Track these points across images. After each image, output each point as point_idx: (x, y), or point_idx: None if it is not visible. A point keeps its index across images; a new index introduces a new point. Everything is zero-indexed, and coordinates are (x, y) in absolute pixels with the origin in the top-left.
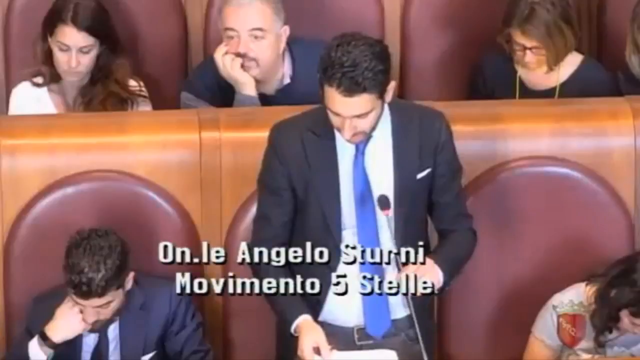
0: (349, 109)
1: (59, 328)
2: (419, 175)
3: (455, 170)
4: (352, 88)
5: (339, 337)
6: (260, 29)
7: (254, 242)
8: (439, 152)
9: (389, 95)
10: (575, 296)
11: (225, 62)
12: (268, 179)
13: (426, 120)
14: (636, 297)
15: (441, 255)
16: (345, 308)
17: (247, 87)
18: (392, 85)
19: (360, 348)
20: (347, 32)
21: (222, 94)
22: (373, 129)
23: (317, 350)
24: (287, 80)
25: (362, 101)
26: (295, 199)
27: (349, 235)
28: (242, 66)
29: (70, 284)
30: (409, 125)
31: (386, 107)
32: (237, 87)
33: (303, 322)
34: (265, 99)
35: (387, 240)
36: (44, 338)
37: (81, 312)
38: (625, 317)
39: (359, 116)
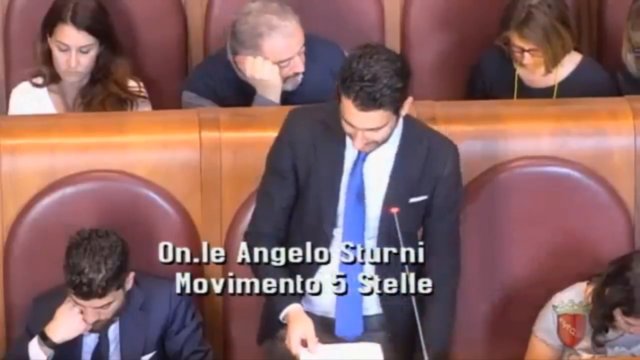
0: (362, 122)
1: (59, 328)
2: (412, 200)
3: (454, 202)
4: (368, 103)
5: (320, 326)
6: (304, 45)
7: (253, 224)
8: (439, 184)
9: (404, 110)
10: (576, 296)
11: (265, 66)
12: (275, 159)
13: (435, 148)
14: (627, 295)
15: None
16: (320, 301)
17: (276, 92)
18: (410, 101)
19: (342, 339)
20: (370, 43)
21: (225, 92)
22: (385, 140)
23: (304, 342)
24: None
25: (377, 116)
26: (296, 185)
27: (339, 234)
28: (288, 79)
29: (71, 285)
30: (416, 147)
31: (401, 120)
32: (264, 90)
33: (293, 311)
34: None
35: (368, 245)
36: (44, 338)
37: (81, 312)
38: (618, 316)
39: (371, 129)
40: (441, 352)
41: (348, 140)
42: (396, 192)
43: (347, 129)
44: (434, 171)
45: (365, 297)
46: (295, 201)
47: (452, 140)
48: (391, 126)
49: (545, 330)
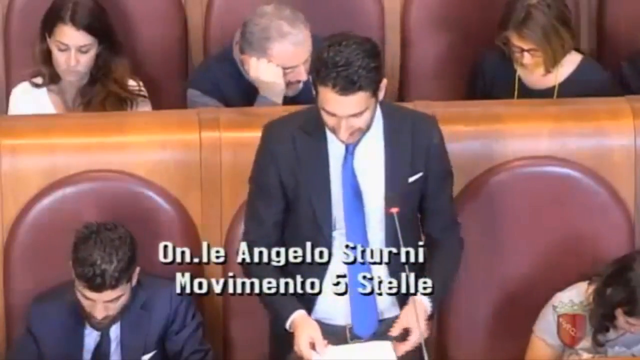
0: (344, 109)
1: None
2: (411, 179)
3: (447, 175)
4: (347, 87)
5: (331, 335)
6: (310, 54)
7: (246, 239)
8: (431, 156)
9: (381, 93)
10: (576, 296)
11: (269, 69)
12: (259, 178)
13: (418, 124)
14: (629, 295)
15: (432, 281)
16: (335, 308)
17: (278, 93)
18: (385, 83)
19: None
20: (336, 32)
21: (230, 91)
22: (368, 128)
23: (312, 346)
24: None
25: (358, 99)
26: (286, 198)
27: (339, 235)
28: (290, 85)
29: (83, 278)
30: (401, 127)
31: (378, 108)
32: (267, 91)
33: (298, 318)
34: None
35: (375, 241)
36: None
37: (87, 311)
38: (620, 315)
39: (354, 115)
40: (439, 293)
41: (330, 140)
42: (394, 177)
43: (330, 120)
44: (423, 144)
45: (382, 300)
46: (286, 213)
47: (429, 114)
48: (371, 111)
49: (546, 329)
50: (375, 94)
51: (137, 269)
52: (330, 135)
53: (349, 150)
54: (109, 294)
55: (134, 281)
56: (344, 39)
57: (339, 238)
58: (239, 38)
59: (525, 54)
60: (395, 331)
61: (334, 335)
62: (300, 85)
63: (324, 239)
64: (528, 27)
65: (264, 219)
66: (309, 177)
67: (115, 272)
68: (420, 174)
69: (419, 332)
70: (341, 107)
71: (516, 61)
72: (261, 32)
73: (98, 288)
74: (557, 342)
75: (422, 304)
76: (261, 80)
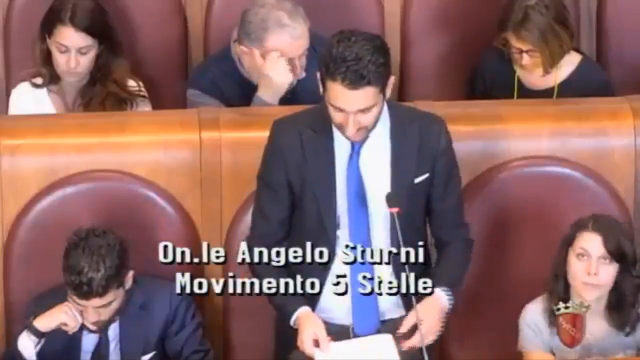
0: (353, 103)
1: (45, 317)
2: (417, 180)
3: (454, 177)
4: (356, 81)
5: (334, 334)
6: (307, 48)
7: (252, 238)
8: (438, 158)
9: (388, 90)
10: (542, 303)
11: (279, 64)
12: (266, 175)
13: (426, 125)
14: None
15: (444, 278)
16: (337, 307)
17: (277, 93)
18: (392, 80)
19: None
20: (344, 29)
21: (230, 91)
22: (374, 125)
23: (316, 343)
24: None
25: (366, 94)
26: (292, 196)
27: (344, 234)
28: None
29: (71, 285)
30: (408, 128)
31: (385, 107)
32: (266, 88)
33: (303, 314)
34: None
35: (379, 240)
36: (31, 328)
37: (81, 313)
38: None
39: (362, 111)
40: (455, 286)
41: (336, 138)
42: (400, 177)
43: (337, 116)
44: (431, 148)
45: (385, 301)
46: (292, 210)
47: (438, 115)
48: (379, 108)
49: (532, 340)
50: (383, 90)
51: (131, 273)
52: (336, 134)
53: (355, 149)
54: (98, 301)
55: (128, 285)
56: (353, 35)
57: (343, 237)
58: (237, 34)
59: (524, 54)
60: (403, 328)
61: (337, 334)
62: (294, 82)
63: (328, 238)
64: (526, 28)
65: (270, 216)
66: (315, 174)
67: (103, 280)
68: (426, 175)
69: (427, 327)
70: (349, 101)
71: (515, 62)
72: (260, 22)
73: (85, 296)
74: (548, 345)
75: (437, 301)
76: (266, 74)
